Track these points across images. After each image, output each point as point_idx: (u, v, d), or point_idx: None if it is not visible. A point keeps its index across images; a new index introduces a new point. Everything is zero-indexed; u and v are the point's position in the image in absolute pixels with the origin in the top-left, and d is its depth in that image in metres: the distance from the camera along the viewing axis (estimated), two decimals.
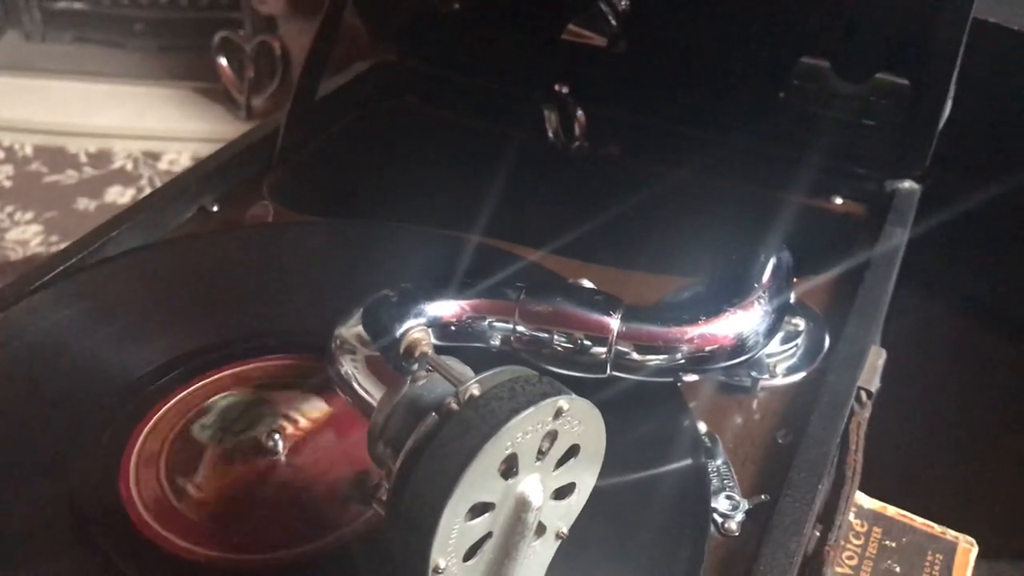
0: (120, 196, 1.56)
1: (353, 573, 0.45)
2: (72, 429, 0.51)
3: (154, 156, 1.66)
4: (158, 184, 1.57)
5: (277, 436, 0.50)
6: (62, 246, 0.64)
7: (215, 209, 0.72)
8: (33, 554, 0.45)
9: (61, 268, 0.62)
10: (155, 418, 0.52)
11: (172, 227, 0.70)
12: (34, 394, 0.54)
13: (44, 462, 0.49)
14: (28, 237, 1.45)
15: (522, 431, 0.36)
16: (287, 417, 0.52)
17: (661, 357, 0.50)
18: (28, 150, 1.67)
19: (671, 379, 0.52)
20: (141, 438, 0.51)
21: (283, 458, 0.50)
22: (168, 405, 0.53)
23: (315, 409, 0.53)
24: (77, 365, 0.55)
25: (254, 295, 0.62)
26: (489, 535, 0.38)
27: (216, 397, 0.52)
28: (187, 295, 0.62)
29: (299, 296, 0.62)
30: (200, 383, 0.55)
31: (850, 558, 0.52)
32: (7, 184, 1.58)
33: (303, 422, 0.52)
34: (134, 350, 0.56)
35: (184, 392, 0.54)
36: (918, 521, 0.54)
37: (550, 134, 0.82)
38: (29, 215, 1.50)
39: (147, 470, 0.49)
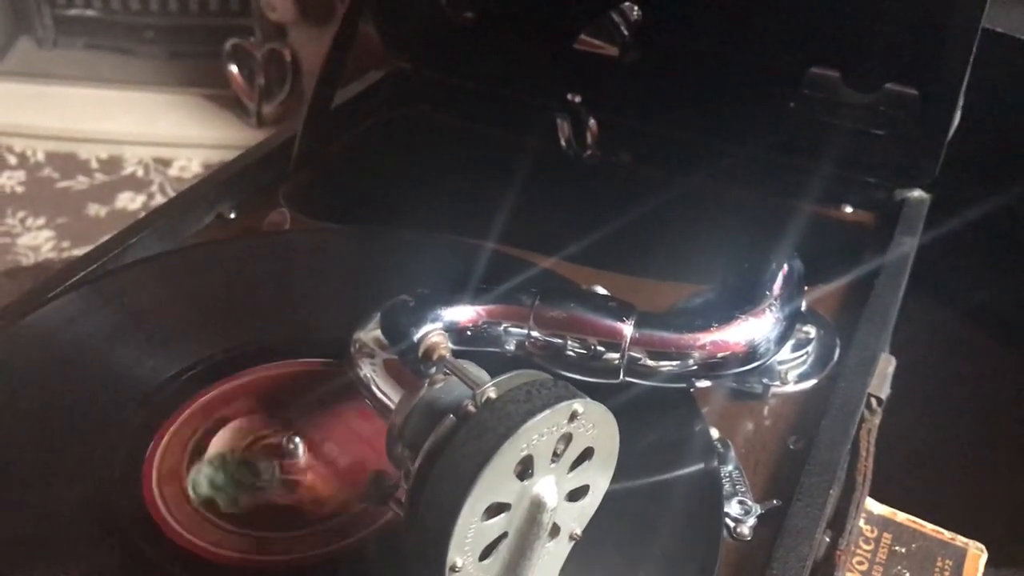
0: (131, 202, 1.56)
1: (373, 573, 0.46)
2: (94, 433, 0.52)
3: (165, 162, 1.67)
4: (169, 190, 1.58)
5: (297, 439, 0.50)
6: (74, 252, 0.65)
7: (232, 216, 0.72)
8: (57, 556, 0.46)
9: (83, 273, 0.63)
10: (177, 422, 0.53)
11: (190, 234, 0.70)
12: (56, 398, 0.54)
13: (67, 465, 0.50)
14: (39, 243, 1.46)
15: (537, 433, 0.37)
16: (255, 443, 0.52)
17: (673, 363, 0.50)
18: (40, 156, 1.68)
19: (684, 385, 0.53)
20: (164, 441, 0.52)
21: (302, 461, 0.50)
22: (189, 410, 0.54)
23: (266, 425, 0.53)
24: (98, 369, 0.56)
25: (272, 301, 0.63)
26: (505, 535, 0.38)
27: (189, 489, 0.50)
28: (207, 301, 0.63)
29: (316, 301, 0.62)
30: (219, 388, 0.55)
31: (860, 563, 0.52)
32: (19, 190, 1.59)
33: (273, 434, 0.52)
34: (154, 355, 0.57)
35: (204, 398, 0.55)
36: (928, 527, 0.54)
37: (563, 143, 0.82)
38: (40, 221, 1.51)
39: (169, 473, 0.50)
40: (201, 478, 0.50)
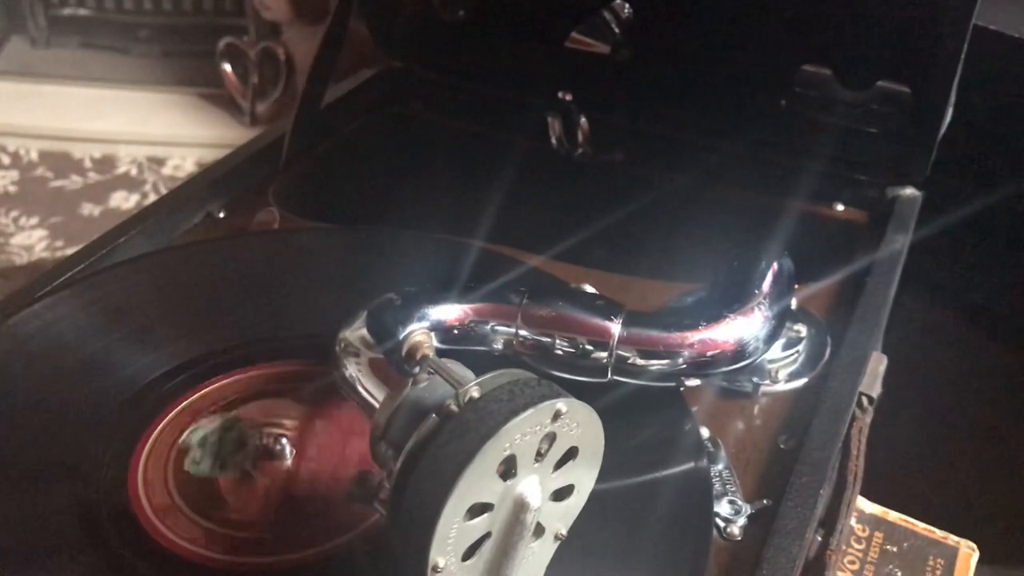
0: (124, 201, 1.57)
1: (360, 574, 0.45)
2: (82, 433, 0.51)
3: (158, 161, 1.67)
4: (162, 189, 1.58)
5: (284, 440, 0.50)
6: (67, 251, 0.64)
7: (222, 215, 0.72)
8: (43, 558, 0.45)
9: (70, 273, 0.63)
10: (163, 422, 0.52)
11: (179, 233, 0.70)
12: (44, 398, 0.54)
13: (54, 466, 0.50)
14: (33, 242, 1.46)
15: (520, 433, 0.36)
16: (268, 426, 0.52)
17: (661, 362, 0.50)
18: (33, 155, 1.68)
19: (672, 384, 0.53)
20: (150, 442, 0.51)
21: (289, 462, 0.50)
22: (176, 410, 0.53)
23: (290, 413, 0.53)
24: (86, 369, 0.56)
25: (260, 300, 0.62)
26: (488, 535, 0.38)
27: (186, 433, 0.51)
28: (195, 300, 0.62)
29: (305, 301, 0.62)
30: (207, 388, 0.55)
31: (852, 563, 0.52)
32: (12, 189, 1.59)
33: (288, 424, 0.52)
34: (143, 355, 0.56)
35: (191, 397, 0.54)
36: (919, 526, 0.54)
37: (554, 141, 0.82)
38: (34, 220, 1.51)
39: (156, 474, 0.50)
40: (201, 431, 0.51)
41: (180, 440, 0.51)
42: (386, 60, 0.90)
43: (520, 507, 0.38)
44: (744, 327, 0.50)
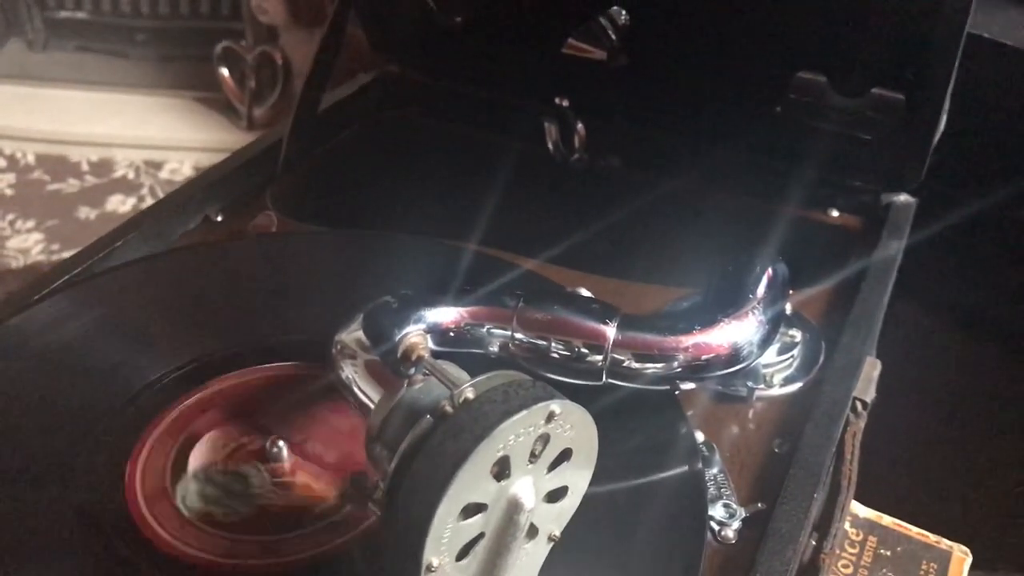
0: (121, 205, 1.56)
1: (355, 575, 0.46)
2: (79, 436, 0.51)
3: (155, 165, 1.67)
4: (159, 193, 1.58)
5: (280, 443, 0.50)
6: (63, 254, 0.64)
7: (219, 219, 0.72)
8: (39, 559, 0.46)
9: (67, 277, 0.62)
10: (161, 426, 0.53)
11: (177, 236, 0.70)
12: (41, 400, 0.54)
13: (51, 468, 0.50)
14: (29, 245, 1.46)
15: (514, 434, 0.37)
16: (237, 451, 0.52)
17: (656, 365, 0.50)
18: (30, 159, 1.67)
19: (666, 387, 0.53)
20: (148, 445, 0.51)
21: (287, 464, 0.50)
22: (173, 413, 0.53)
23: (250, 429, 0.53)
24: (83, 372, 0.56)
25: (258, 304, 0.62)
26: (482, 535, 0.38)
27: (178, 500, 0.49)
28: (192, 304, 0.62)
29: (301, 304, 0.62)
30: (204, 392, 0.55)
31: (845, 567, 0.52)
32: (9, 192, 1.59)
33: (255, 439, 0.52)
34: (140, 357, 0.57)
35: (188, 400, 0.54)
36: (913, 530, 0.54)
37: (550, 146, 0.82)
38: (31, 223, 1.51)
39: (153, 476, 0.50)
40: (191, 493, 0.50)
41: (177, 503, 0.49)
42: (383, 64, 0.90)
43: (514, 508, 0.38)
44: (739, 331, 0.50)
